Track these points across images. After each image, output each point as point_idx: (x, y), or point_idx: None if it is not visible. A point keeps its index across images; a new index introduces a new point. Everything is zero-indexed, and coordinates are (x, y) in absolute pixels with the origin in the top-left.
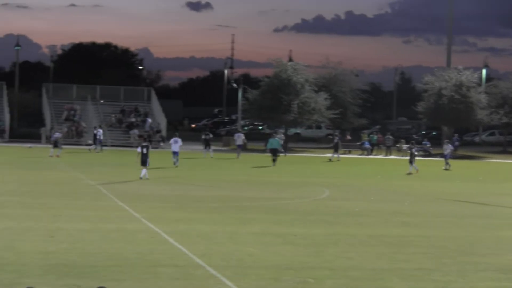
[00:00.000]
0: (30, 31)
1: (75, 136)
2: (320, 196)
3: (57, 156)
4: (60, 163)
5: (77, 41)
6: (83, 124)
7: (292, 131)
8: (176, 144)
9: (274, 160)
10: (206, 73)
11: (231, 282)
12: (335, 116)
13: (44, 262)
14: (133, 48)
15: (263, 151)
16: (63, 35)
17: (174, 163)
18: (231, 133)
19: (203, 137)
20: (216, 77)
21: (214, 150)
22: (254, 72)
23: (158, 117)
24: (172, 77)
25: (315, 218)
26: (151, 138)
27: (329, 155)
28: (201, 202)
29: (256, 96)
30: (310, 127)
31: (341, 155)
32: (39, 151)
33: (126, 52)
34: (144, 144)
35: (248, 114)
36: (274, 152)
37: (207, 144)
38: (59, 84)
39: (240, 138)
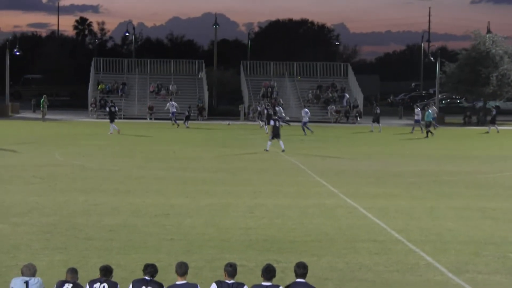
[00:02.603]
0: (227, 9)
1: (274, 112)
2: None
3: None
4: (257, 139)
5: (273, 18)
6: (281, 100)
7: (491, 104)
8: (306, 115)
9: (427, 132)
10: (403, 47)
11: (430, 257)
12: None
13: (245, 237)
14: (329, 24)
15: (461, 124)
16: (260, 13)
17: (304, 133)
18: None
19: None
20: (413, 51)
21: (409, 125)
22: (451, 45)
23: (355, 92)
24: (369, 52)
25: None
26: (348, 114)
27: None
28: (399, 177)
29: (453, 70)
30: (510, 99)
31: None
32: (238, 128)
33: (322, 28)
34: (275, 117)
35: (445, 88)
36: (428, 125)
37: (377, 118)
38: (256, 62)
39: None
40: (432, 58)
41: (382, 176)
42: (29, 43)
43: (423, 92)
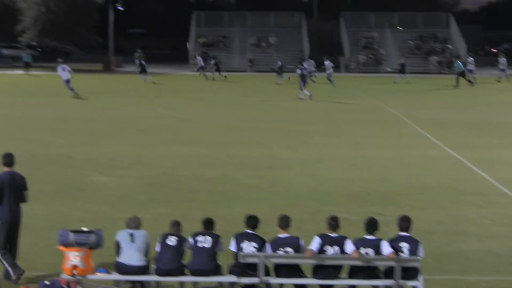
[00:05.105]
0: None
1: (374, 64)
2: None
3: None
4: (359, 91)
5: None
6: (382, 51)
7: None
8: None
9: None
10: None
11: None
12: None
13: (347, 190)
14: None
15: None
16: None
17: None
18: None
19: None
20: None
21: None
22: None
23: (457, 43)
24: (471, 1)
25: None
26: (450, 65)
27: None
28: (502, 127)
29: None
30: None
31: None
32: (339, 79)
33: None
34: (301, 67)
35: None
36: (460, 75)
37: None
38: (357, 12)
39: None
40: None
41: (485, 126)
42: None
43: None
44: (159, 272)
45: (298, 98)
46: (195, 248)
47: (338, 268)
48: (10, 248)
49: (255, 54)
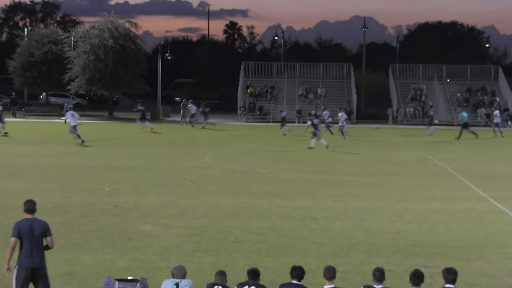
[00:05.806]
0: (375, 12)
1: (422, 116)
2: None
3: None
4: (406, 143)
5: (422, 20)
6: (430, 103)
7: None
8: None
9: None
10: None
11: None
12: None
13: (393, 242)
14: (479, 25)
15: None
16: (409, 15)
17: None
18: None
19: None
20: None
21: None
22: None
23: (506, 96)
24: None
25: None
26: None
27: None
28: None
29: None
30: None
31: None
32: (387, 131)
33: (472, 30)
34: (311, 118)
35: None
36: (464, 126)
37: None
38: (405, 64)
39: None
40: None
41: None
42: (180, 47)
43: None
44: None
45: (308, 147)
46: None
47: None
48: None
49: (303, 105)
